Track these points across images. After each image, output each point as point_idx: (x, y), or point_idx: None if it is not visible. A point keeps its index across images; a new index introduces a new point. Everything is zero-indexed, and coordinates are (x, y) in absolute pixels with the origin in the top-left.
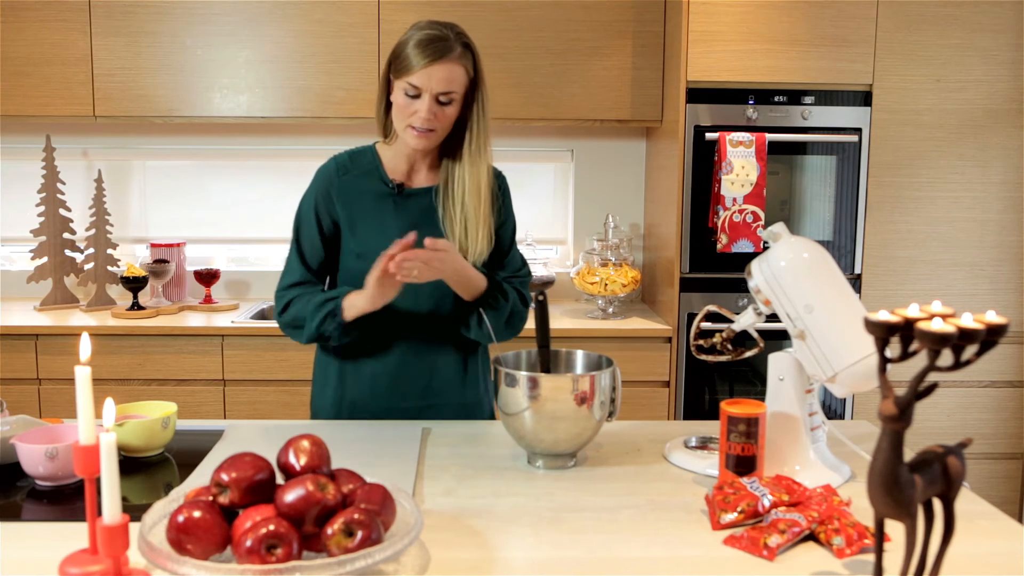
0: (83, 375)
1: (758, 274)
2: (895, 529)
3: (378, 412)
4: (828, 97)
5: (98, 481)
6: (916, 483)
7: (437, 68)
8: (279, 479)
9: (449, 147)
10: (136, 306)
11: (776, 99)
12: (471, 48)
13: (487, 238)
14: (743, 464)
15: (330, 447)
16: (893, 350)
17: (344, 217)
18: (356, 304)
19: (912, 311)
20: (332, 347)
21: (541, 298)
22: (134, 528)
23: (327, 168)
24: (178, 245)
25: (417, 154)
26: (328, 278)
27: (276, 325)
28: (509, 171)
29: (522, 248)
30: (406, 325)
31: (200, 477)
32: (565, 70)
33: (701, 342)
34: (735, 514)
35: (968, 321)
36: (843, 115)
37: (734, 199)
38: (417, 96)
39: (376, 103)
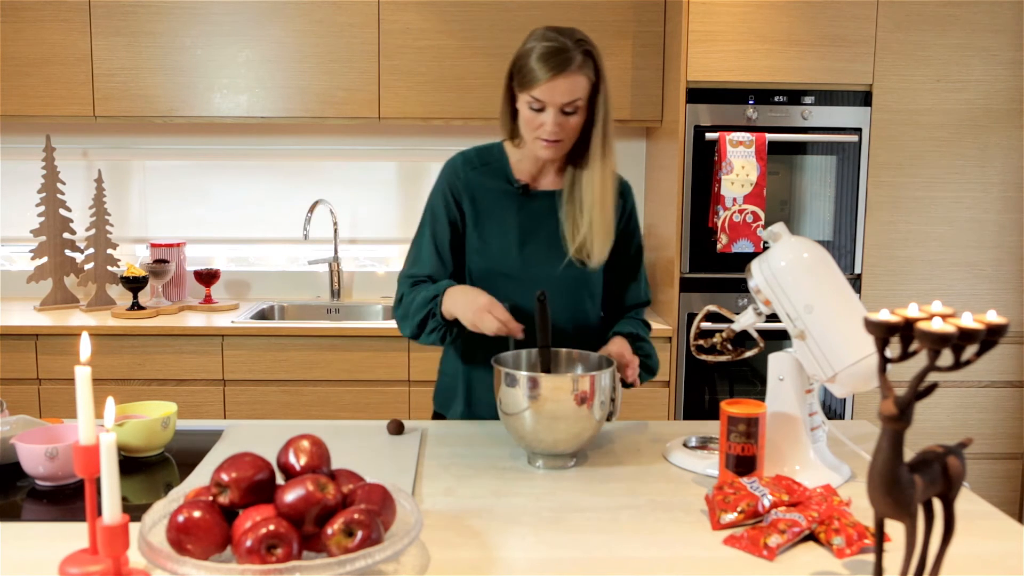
0: (83, 375)
1: (758, 274)
2: (895, 529)
3: None
4: (828, 97)
5: (98, 481)
6: (916, 483)
7: (559, 82)
8: (279, 479)
9: (574, 151)
10: (136, 306)
11: (776, 99)
12: (592, 54)
13: (607, 243)
14: (743, 464)
15: (330, 447)
16: (893, 350)
17: (469, 212)
18: (451, 308)
19: (912, 311)
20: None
21: (542, 298)
22: (134, 528)
23: (454, 162)
24: (178, 245)
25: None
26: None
27: (276, 325)
28: None
29: None
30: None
31: (200, 477)
32: None
33: (701, 342)
34: (735, 514)
35: (968, 321)
36: (843, 115)
37: (734, 199)
38: (542, 109)
39: (501, 107)
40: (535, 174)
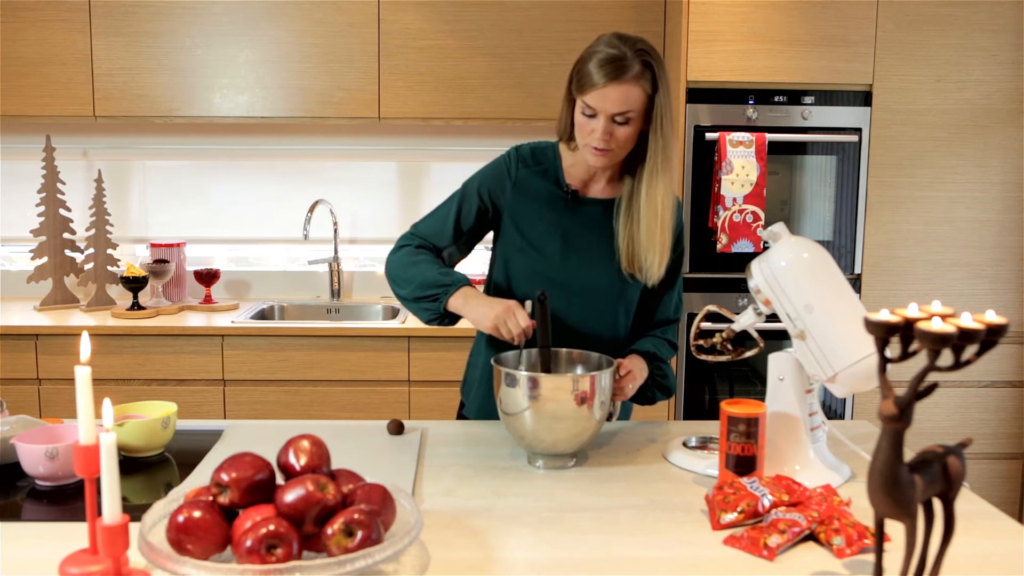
0: (83, 375)
1: (758, 274)
2: (895, 529)
3: None
4: (828, 97)
5: (98, 481)
6: (916, 483)
7: (611, 89)
8: (279, 479)
9: (632, 164)
10: (136, 306)
11: (776, 99)
12: (652, 66)
13: (659, 263)
14: (743, 464)
15: (330, 447)
16: (893, 350)
17: (511, 209)
18: (463, 308)
19: (912, 311)
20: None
21: (542, 298)
22: (134, 528)
23: (508, 156)
24: (178, 245)
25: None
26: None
27: (276, 325)
28: None
29: None
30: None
31: (200, 477)
32: (565, 70)
33: (701, 342)
34: (735, 514)
35: (968, 321)
36: (843, 115)
37: (734, 199)
38: (594, 116)
39: (560, 109)
40: (586, 180)
